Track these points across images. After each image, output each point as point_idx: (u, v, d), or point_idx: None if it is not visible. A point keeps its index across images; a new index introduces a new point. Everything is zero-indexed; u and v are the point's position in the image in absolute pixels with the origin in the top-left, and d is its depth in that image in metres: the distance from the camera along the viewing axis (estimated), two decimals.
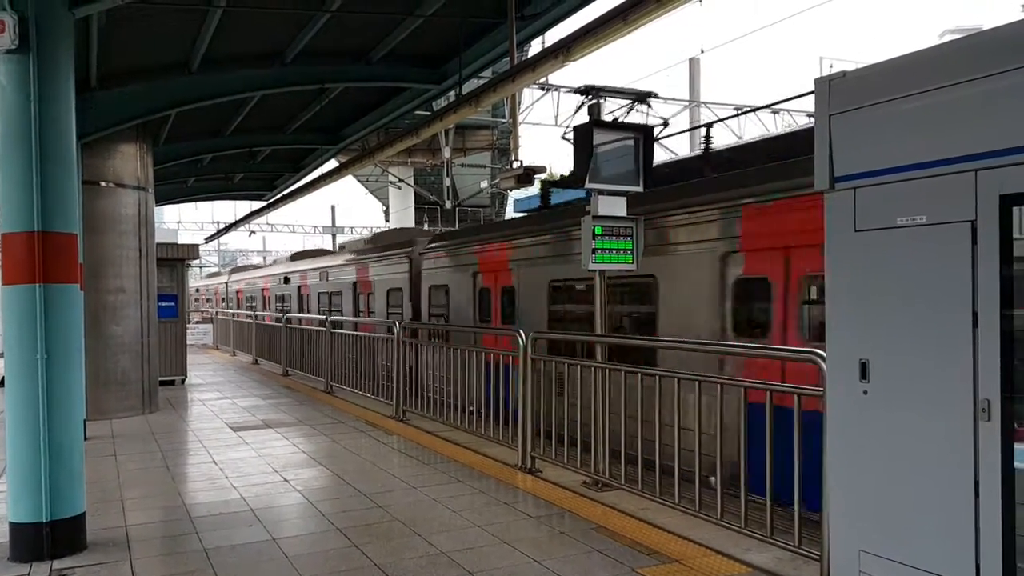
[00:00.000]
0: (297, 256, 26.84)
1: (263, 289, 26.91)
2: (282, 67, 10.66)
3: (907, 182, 3.28)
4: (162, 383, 12.78)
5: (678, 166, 10.12)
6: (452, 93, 12.51)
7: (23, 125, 4.96)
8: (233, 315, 25.41)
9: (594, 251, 6.59)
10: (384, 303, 16.11)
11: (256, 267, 37.59)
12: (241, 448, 8.64)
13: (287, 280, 23.62)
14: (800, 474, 4.56)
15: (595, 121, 6.85)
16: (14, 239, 4.98)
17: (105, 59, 9.39)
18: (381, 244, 17.75)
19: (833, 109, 3.62)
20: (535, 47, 16.13)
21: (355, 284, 17.84)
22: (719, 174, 8.39)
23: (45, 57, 5.04)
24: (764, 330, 7.04)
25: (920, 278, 3.25)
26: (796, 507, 4.57)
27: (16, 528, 5.04)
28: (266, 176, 20.68)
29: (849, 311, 3.57)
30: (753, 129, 27.65)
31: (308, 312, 21.21)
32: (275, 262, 32.10)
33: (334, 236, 53.80)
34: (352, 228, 58.77)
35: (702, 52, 36.67)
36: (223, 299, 35.25)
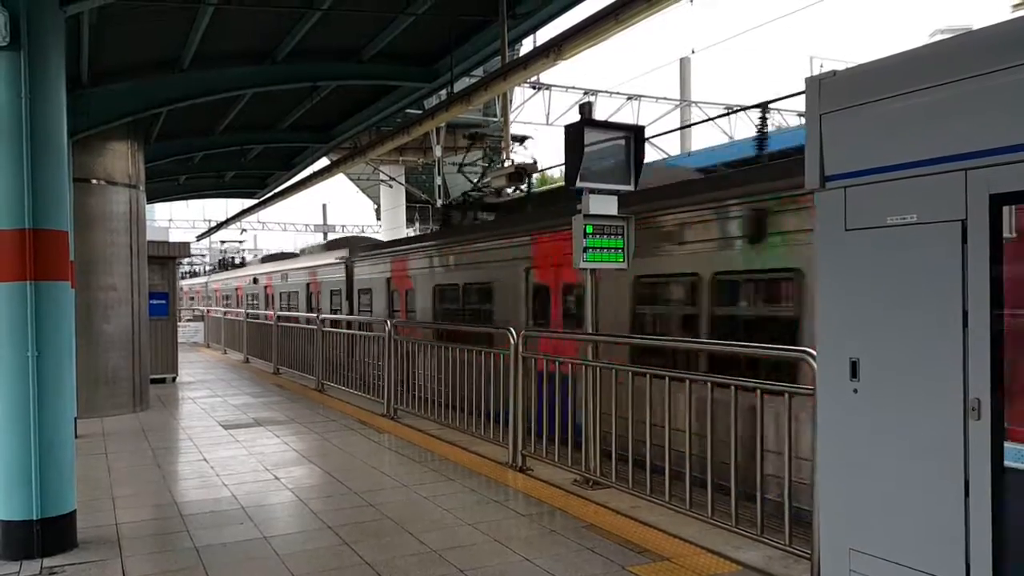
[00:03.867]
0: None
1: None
2: (273, 65, 10.66)
3: (897, 181, 3.30)
4: (153, 381, 12.72)
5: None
6: (443, 92, 12.52)
7: (14, 122, 4.95)
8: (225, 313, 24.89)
9: (585, 249, 6.59)
10: None
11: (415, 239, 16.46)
12: (232, 446, 8.62)
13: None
14: (790, 473, 4.58)
15: (586, 120, 6.86)
16: (5, 236, 4.96)
17: (96, 56, 9.36)
18: None
19: (824, 108, 3.63)
20: (527, 46, 16.12)
21: None
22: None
23: (36, 54, 5.02)
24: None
25: (910, 277, 3.26)
26: (786, 505, 4.59)
27: (6, 526, 5.02)
28: (257, 174, 20.64)
29: (840, 310, 3.59)
30: (744, 129, 27.73)
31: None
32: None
33: (325, 234, 54.12)
34: (343, 226, 58.91)
35: (693, 52, 36.71)
36: (317, 294, 19.81)
